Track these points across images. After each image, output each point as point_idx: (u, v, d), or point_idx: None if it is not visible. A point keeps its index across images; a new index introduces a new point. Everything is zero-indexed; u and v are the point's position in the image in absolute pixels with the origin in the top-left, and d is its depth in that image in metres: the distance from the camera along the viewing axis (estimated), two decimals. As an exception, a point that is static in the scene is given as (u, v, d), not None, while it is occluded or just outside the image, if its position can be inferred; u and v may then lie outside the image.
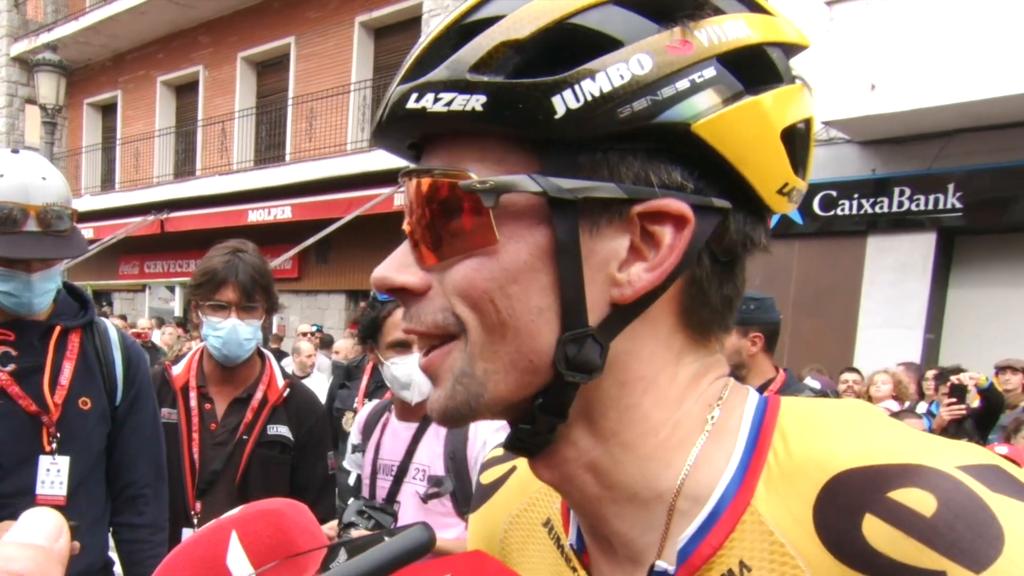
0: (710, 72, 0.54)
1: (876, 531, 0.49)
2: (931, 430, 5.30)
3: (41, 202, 1.93)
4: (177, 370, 2.53)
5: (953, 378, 5.38)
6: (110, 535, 2.21)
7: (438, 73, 0.56)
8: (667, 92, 0.53)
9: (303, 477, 2.54)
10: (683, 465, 0.59)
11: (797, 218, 8.99)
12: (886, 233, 8.58)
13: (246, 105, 15.82)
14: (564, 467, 0.62)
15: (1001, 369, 6.26)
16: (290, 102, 14.79)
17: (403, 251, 0.61)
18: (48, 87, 12.27)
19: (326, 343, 8.84)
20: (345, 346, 7.71)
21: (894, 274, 8.48)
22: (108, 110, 19.48)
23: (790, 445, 0.57)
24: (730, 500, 0.57)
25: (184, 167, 17.26)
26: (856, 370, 6.80)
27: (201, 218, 14.83)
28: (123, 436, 2.17)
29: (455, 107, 0.55)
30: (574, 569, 0.67)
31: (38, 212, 1.92)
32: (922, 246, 8.33)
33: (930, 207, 8.22)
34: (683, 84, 0.54)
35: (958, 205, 8.03)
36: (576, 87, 0.53)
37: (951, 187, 8.04)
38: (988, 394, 5.15)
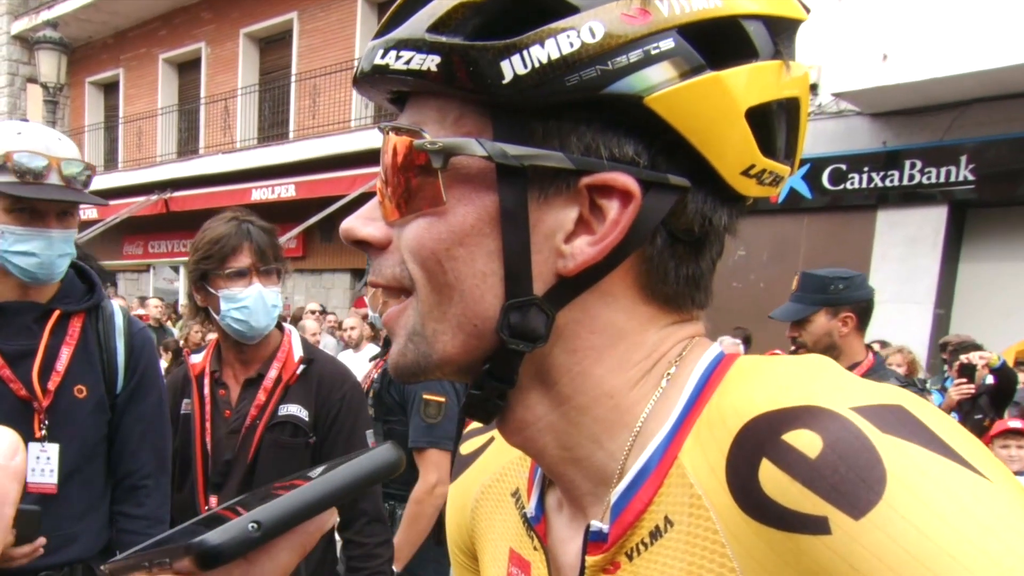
0: (668, 44, 0.52)
1: (768, 476, 0.47)
2: (940, 408, 5.23)
3: (62, 155, 1.91)
4: (196, 359, 2.35)
5: (963, 357, 5.32)
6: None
7: (402, 31, 0.56)
8: (619, 62, 0.52)
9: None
10: (636, 423, 0.59)
11: (806, 192, 8.90)
12: (896, 207, 8.48)
13: (249, 82, 15.72)
14: (525, 431, 0.62)
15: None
16: (293, 79, 14.69)
17: (372, 205, 0.62)
18: (49, 65, 12.22)
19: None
20: (352, 323, 7.59)
21: (904, 248, 8.39)
22: (110, 88, 19.39)
23: (723, 397, 0.55)
24: (661, 455, 0.56)
25: (187, 146, 17.20)
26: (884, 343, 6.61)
27: (205, 197, 14.78)
28: (124, 425, 2.10)
29: (413, 66, 0.55)
30: (532, 538, 0.69)
31: (60, 164, 1.89)
32: (933, 220, 8.23)
33: (941, 180, 8.10)
34: (636, 55, 0.52)
35: (970, 178, 7.91)
36: (524, 52, 0.52)
37: (963, 159, 7.92)
38: (1000, 372, 5.08)
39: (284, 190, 13.62)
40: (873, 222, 8.63)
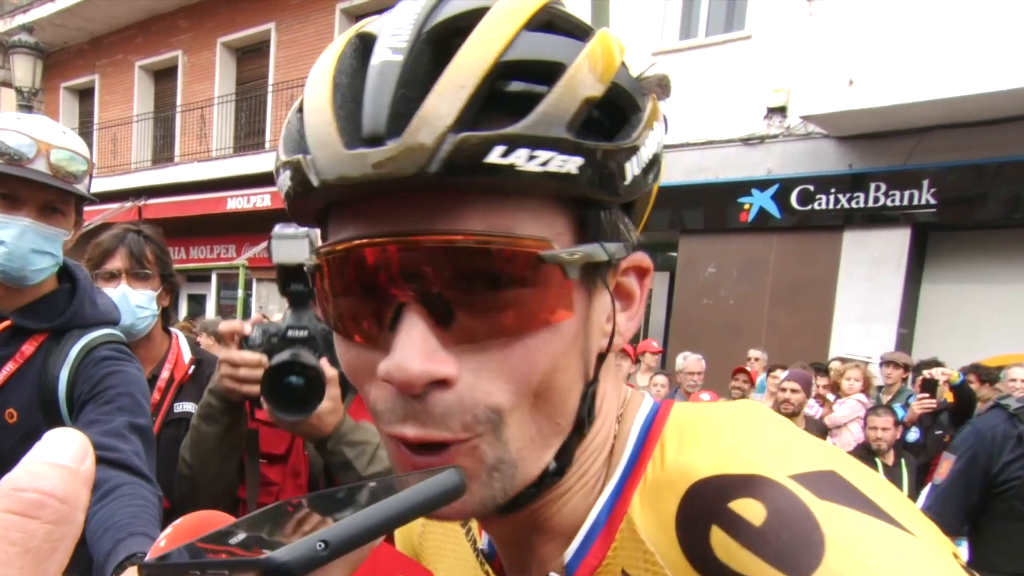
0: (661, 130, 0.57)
1: (719, 542, 0.50)
2: (903, 422, 5.46)
3: (56, 143, 1.68)
4: None
5: (925, 373, 5.52)
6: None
7: (532, 127, 0.47)
8: (660, 155, 0.57)
9: None
10: None
11: (775, 211, 9.08)
12: (862, 228, 8.69)
13: (225, 91, 15.66)
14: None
15: (884, 363, 6.50)
16: (270, 88, 14.65)
17: (422, 332, 0.50)
18: (24, 70, 12.08)
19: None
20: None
21: (869, 269, 8.59)
22: (85, 94, 19.22)
23: (666, 454, 0.58)
24: (609, 511, 0.59)
25: (162, 153, 17.06)
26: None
27: (179, 205, 14.69)
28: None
29: (551, 168, 0.47)
30: (487, 573, 0.69)
31: (49, 152, 1.65)
32: (897, 241, 8.45)
33: (905, 203, 8.33)
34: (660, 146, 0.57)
35: (932, 201, 8.15)
36: (640, 152, 0.53)
37: (925, 183, 8.16)
38: (959, 390, 5.25)
39: (259, 199, 13.57)
40: (840, 242, 8.82)
